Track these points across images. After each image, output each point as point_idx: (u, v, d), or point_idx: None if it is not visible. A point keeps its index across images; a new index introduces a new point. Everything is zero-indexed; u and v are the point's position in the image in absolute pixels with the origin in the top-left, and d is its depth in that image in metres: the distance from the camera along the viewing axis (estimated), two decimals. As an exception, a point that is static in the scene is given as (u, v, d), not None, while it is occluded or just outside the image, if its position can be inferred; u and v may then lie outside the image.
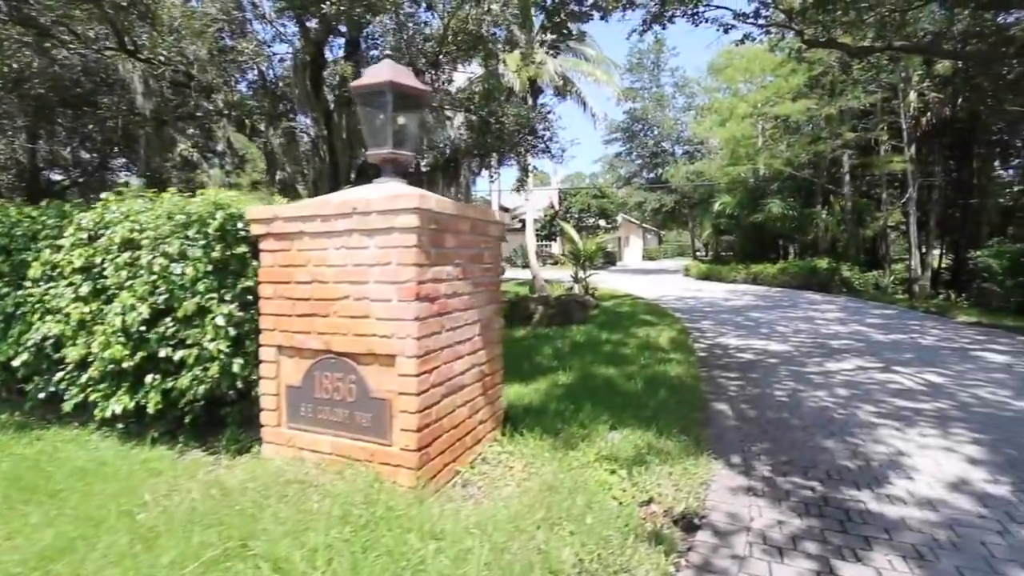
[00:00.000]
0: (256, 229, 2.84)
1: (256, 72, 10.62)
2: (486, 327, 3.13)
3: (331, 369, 2.63)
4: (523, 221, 20.16)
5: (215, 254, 2.95)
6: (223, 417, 3.36)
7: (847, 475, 3.27)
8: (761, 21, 10.46)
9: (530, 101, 16.74)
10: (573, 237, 14.45)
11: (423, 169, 12.08)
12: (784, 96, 17.60)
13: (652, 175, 36.20)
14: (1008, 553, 2.42)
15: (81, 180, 13.00)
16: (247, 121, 10.74)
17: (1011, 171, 16.74)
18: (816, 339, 7.95)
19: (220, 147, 12.72)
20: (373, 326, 2.50)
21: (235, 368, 2.96)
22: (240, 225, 3.00)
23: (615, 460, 3.13)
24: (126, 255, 3.14)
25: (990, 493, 2.99)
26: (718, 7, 10.20)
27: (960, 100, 14.31)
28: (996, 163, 16.79)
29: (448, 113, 11.33)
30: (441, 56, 8.50)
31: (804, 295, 14.86)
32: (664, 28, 10.43)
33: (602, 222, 35.06)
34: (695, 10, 10.14)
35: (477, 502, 2.54)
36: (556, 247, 34.97)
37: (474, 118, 10.19)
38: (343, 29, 10.48)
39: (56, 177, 13.57)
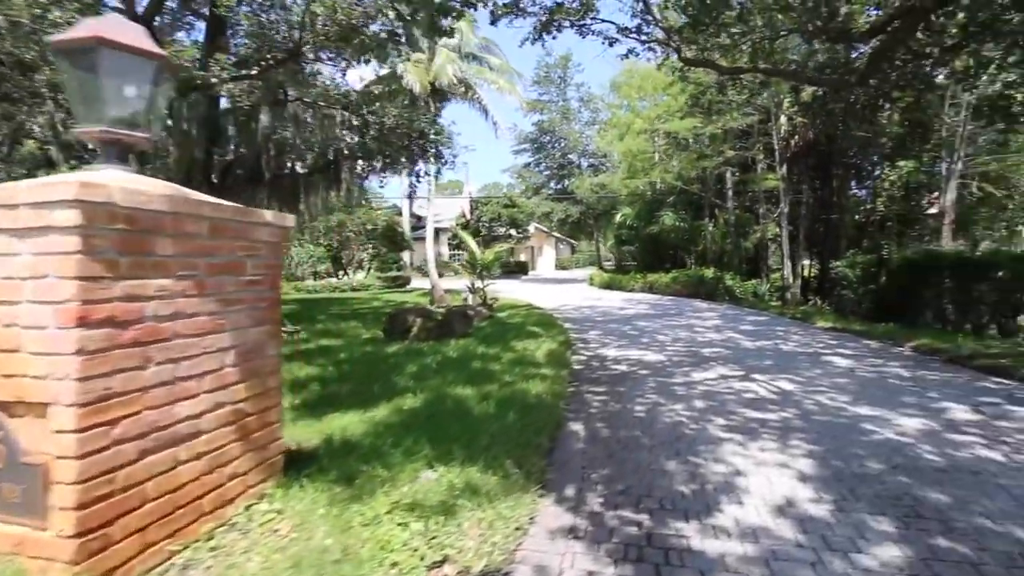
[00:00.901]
0: None
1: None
2: (248, 355, 2.49)
3: (-27, 424, 1.87)
4: (435, 229, 19.45)
5: None
6: None
7: (679, 503, 3.02)
8: (643, 37, 10.79)
9: (432, 106, 16.21)
10: (471, 246, 14.02)
11: (300, 171, 11.07)
12: (674, 114, 18.54)
13: (560, 186, 36.99)
14: (816, 591, 2.22)
15: None
16: (79, 107, 9.21)
17: (863, 191, 18.81)
18: (691, 347, 8.07)
19: (46, 135, 10.87)
20: (25, 363, 1.79)
21: None
22: None
23: (415, 509, 2.61)
24: None
25: (811, 515, 2.85)
26: (604, 21, 10.41)
27: (819, 125, 15.79)
28: (853, 183, 18.80)
29: (335, 112, 10.46)
30: (305, 46, 7.68)
31: (692, 303, 15.54)
32: (554, 37, 10.55)
33: (513, 231, 35.14)
34: (582, 22, 10.33)
35: (188, 595, 1.90)
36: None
37: (352, 117, 9.42)
38: (204, 11, 9.33)
39: None
